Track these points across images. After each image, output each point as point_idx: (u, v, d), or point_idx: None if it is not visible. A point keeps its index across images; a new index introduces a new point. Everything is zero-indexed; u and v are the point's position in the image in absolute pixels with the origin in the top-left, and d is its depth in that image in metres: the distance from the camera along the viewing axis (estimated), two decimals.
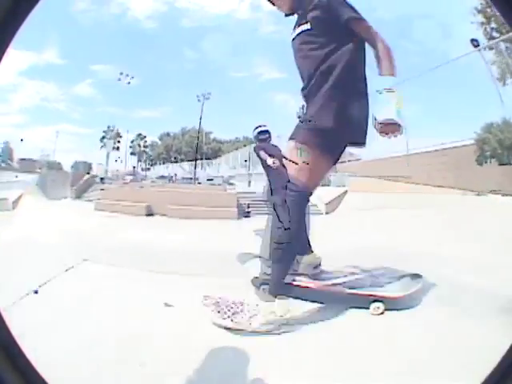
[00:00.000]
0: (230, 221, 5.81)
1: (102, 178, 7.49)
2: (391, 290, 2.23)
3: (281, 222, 2.08)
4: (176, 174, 8.56)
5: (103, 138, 8.19)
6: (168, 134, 21.33)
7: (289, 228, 2.06)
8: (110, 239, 4.26)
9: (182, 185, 7.84)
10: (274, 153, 2.53)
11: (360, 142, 2.14)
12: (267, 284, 2.22)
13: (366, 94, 2.16)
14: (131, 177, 8.14)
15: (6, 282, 2.17)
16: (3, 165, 6.71)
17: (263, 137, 2.84)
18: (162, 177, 8.09)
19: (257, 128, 2.87)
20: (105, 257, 3.19)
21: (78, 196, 5.88)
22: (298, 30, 2.23)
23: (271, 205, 2.21)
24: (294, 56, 2.29)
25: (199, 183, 8.73)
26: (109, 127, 8.95)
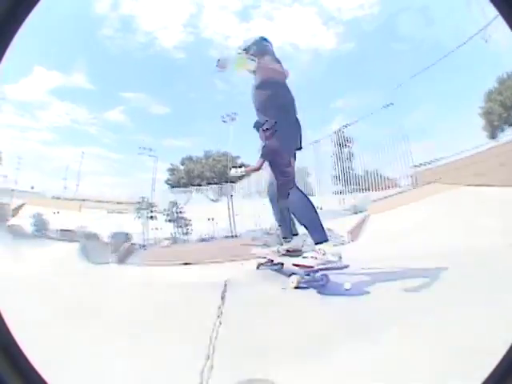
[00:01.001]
0: None
1: (143, 245, 7.80)
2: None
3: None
4: (213, 237, 8.29)
5: (138, 209, 8.20)
6: (191, 158, 20.48)
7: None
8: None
9: (222, 242, 7.82)
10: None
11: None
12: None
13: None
14: (168, 241, 8.37)
15: None
16: (36, 233, 6.91)
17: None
18: (203, 240, 8.02)
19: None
20: None
21: (121, 261, 6.25)
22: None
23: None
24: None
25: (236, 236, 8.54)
26: (143, 198, 8.93)
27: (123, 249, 6.26)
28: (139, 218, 8.47)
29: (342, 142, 8.96)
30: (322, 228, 2.74)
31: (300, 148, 3.07)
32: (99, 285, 3.64)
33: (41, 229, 7.23)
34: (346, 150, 8.92)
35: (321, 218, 2.78)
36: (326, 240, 2.70)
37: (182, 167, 19.57)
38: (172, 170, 19.15)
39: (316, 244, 2.70)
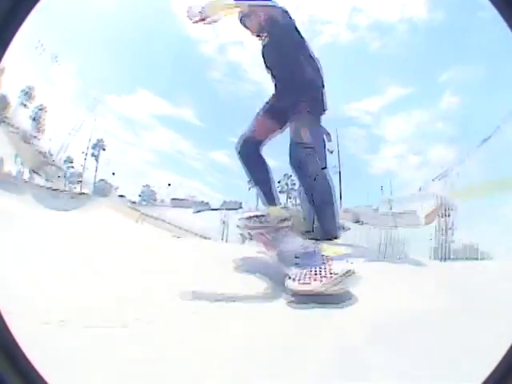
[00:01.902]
0: None
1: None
2: None
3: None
4: None
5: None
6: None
7: None
8: None
9: None
10: None
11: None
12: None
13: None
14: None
15: None
16: (144, 203, 7.05)
17: None
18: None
19: None
20: None
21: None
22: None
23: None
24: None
25: None
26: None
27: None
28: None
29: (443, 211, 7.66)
30: (335, 219, 2.32)
31: (324, 110, 2.54)
32: None
33: None
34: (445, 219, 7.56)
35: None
36: (336, 236, 2.27)
37: None
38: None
39: (323, 240, 2.21)
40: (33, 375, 0.79)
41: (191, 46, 14.18)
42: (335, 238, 2.24)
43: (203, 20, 2.27)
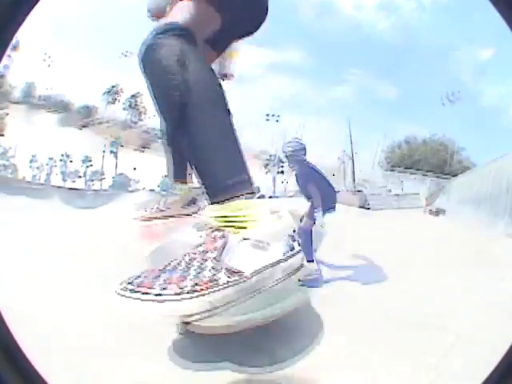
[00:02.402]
0: None
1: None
2: None
3: None
4: None
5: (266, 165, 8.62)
6: (407, 142, 19.11)
7: None
8: None
9: None
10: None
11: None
12: None
13: None
14: None
15: None
16: (163, 193, 7.06)
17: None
18: None
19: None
20: None
21: None
22: None
23: None
24: None
25: None
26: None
27: None
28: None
29: None
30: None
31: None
32: None
33: None
34: None
35: None
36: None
37: (400, 148, 17.85)
38: (392, 149, 17.63)
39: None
40: (33, 375, 0.79)
41: None
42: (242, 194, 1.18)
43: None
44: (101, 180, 8.07)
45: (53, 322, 1.59)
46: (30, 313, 1.57)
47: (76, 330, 1.56)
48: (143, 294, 0.84)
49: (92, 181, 8.09)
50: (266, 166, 8.66)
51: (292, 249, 1.01)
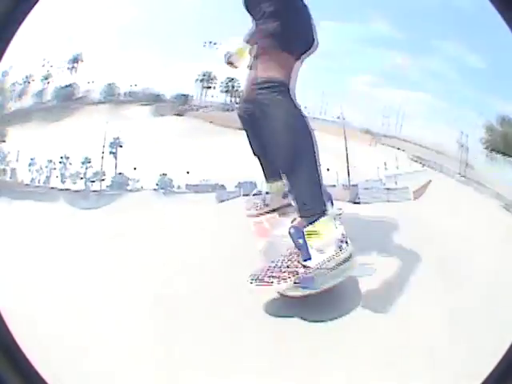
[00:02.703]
0: None
1: None
2: None
3: None
4: None
5: None
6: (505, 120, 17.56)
7: None
8: None
9: None
10: None
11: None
12: None
13: None
14: None
15: None
16: (162, 191, 6.95)
17: None
18: None
19: None
20: None
21: None
22: None
23: None
24: None
25: None
26: None
27: None
28: None
29: None
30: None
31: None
32: None
33: None
34: None
35: None
36: (322, 212, 1.67)
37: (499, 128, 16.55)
38: (489, 129, 16.38)
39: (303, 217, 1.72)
40: (33, 375, 0.79)
41: None
42: (320, 215, 1.61)
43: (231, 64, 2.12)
44: (101, 181, 8.08)
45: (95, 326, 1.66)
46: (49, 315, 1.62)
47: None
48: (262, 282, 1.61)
49: (93, 181, 8.07)
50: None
51: (340, 247, 1.57)
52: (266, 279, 1.60)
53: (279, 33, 1.71)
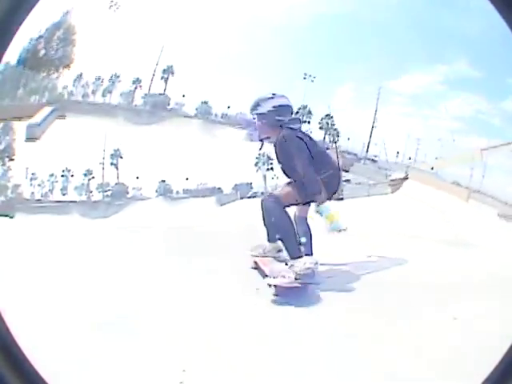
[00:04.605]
0: None
1: None
2: None
3: None
4: None
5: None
6: None
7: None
8: None
9: None
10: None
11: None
12: None
13: None
14: None
15: None
16: (161, 197, 7.16)
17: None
18: None
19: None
20: None
21: None
22: None
23: None
24: None
25: None
26: None
27: None
28: None
29: None
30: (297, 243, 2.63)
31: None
32: None
33: None
34: None
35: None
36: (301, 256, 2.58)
37: None
38: None
39: (292, 259, 2.57)
40: (33, 375, 0.79)
41: None
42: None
43: None
44: (105, 192, 8.15)
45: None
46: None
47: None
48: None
49: (95, 191, 8.14)
50: (256, 164, 8.68)
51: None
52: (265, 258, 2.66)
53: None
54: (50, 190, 8.33)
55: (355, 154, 10.42)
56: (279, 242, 2.82)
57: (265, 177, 8.37)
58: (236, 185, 7.13)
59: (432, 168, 7.97)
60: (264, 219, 2.81)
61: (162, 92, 6.93)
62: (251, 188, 6.64)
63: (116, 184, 7.87)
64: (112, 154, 8.24)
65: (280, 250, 2.90)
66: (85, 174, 8.19)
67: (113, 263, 2.65)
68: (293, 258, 2.53)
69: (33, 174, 8.09)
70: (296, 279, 2.40)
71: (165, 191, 7.17)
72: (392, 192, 6.92)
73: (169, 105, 6.75)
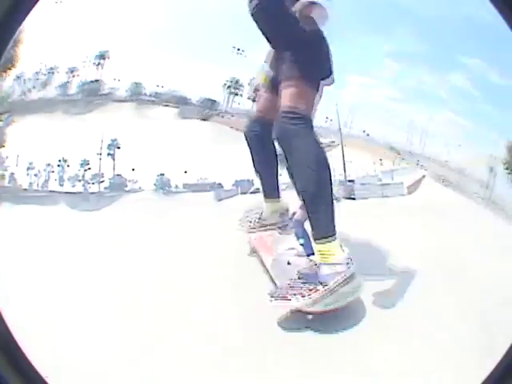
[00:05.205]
0: None
1: None
2: None
3: None
4: None
5: None
6: None
7: None
8: None
9: None
10: None
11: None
12: None
13: None
14: None
15: None
16: (161, 192, 6.96)
17: None
18: None
19: None
20: None
21: None
22: None
23: None
24: None
25: None
26: None
27: None
28: None
29: None
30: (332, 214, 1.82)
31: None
32: None
33: None
34: None
35: None
36: (332, 235, 1.77)
37: None
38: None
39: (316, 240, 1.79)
40: (33, 375, 0.79)
41: None
42: (331, 237, 1.74)
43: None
44: (100, 183, 8.03)
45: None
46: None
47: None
48: (284, 300, 1.66)
49: (93, 183, 8.03)
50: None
51: (348, 263, 1.71)
52: (285, 295, 1.69)
53: (308, 63, 1.80)
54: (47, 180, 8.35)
55: None
56: (283, 200, 2.25)
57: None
58: (236, 181, 7.13)
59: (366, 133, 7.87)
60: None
61: (98, 78, 6.89)
62: (252, 185, 6.59)
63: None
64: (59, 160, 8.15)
65: (283, 214, 2.22)
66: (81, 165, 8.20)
67: (104, 256, 2.61)
68: (321, 237, 1.75)
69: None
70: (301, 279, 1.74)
71: (163, 185, 7.18)
72: (409, 193, 6.79)
73: (101, 91, 6.60)
